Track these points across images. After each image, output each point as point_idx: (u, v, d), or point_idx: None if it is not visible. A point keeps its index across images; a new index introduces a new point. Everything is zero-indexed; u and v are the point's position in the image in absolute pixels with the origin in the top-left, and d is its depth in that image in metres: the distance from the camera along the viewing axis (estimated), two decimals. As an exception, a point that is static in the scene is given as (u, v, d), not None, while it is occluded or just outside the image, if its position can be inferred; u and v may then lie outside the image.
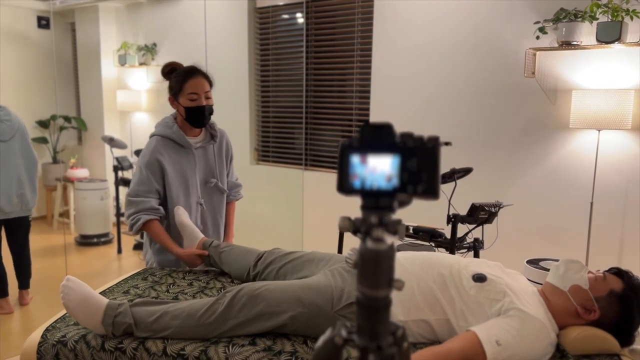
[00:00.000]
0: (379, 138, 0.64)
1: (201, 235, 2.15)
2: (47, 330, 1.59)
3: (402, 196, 0.65)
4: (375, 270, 0.66)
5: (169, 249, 2.14)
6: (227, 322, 1.54)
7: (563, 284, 1.54)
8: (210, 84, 2.24)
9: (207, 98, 2.20)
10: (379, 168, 0.64)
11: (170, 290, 1.89)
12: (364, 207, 0.66)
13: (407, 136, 0.64)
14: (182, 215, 2.16)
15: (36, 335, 1.57)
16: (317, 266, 1.84)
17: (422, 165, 0.63)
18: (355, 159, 0.65)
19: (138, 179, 2.16)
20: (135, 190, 2.15)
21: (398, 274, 1.57)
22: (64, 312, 1.73)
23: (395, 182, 0.64)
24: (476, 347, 1.35)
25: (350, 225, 0.66)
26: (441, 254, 1.64)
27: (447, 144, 0.64)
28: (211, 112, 2.24)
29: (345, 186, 0.66)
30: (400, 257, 1.65)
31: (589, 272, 1.55)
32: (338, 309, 1.53)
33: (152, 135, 2.25)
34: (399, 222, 0.65)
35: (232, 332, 1.54)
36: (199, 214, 2.32)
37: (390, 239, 0.66)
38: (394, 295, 1.54)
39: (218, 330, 1.53)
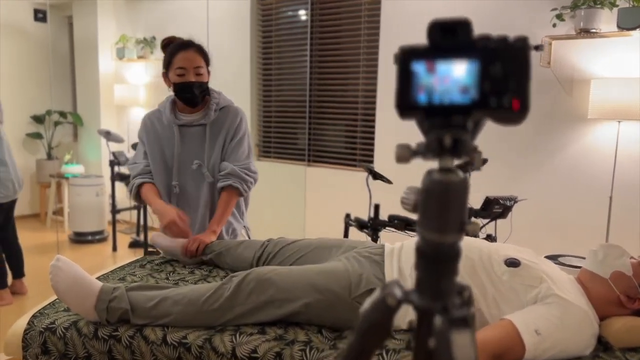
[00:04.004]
0: (452, 39, 0.51)
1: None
2: (34, 316, 1.44)
3: (478, 114, 0.51)
4: (443, 208, 0.52)
5: (152, 205, 2.01)
6: (234, 309, 1.39)
7: (603, 270, 1.39)
8: (206, 59, 2.04)
9: (198, 74, 1.99)
10: (452, 77, 0.51)
11: (170, 278, 1.74)
12: (430, 129, 0.52)
13: (486, 37, 0.50)
14: (157, 238, 1.98)
15: (22, 322, 1.42)
16: (330, 253, 1.69)
17: (508, 72, 0.49)
18: (419, 67, 0.52)
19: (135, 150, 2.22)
20: (131, 159, 2.18)
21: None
22: (54, 297, 1.58)
23: (473, 93, 0.50)
24: (514, 337, 1.21)
25: (410, 154, 0.53)
26: (465, 237, 1.50)
27: (537, 48, 0.50)
28: (203, 90, 2.02)
29: (406, 102, 0.52)
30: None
31: (631, 257, 1.41)
32: (356, 296, 1.39)
33: None
34: (474, 148, 0.52)
35: (240, 320, 1.39)
36: (176, 199, 2.10)
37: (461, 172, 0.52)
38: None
39: (224, 317, 1.39)
